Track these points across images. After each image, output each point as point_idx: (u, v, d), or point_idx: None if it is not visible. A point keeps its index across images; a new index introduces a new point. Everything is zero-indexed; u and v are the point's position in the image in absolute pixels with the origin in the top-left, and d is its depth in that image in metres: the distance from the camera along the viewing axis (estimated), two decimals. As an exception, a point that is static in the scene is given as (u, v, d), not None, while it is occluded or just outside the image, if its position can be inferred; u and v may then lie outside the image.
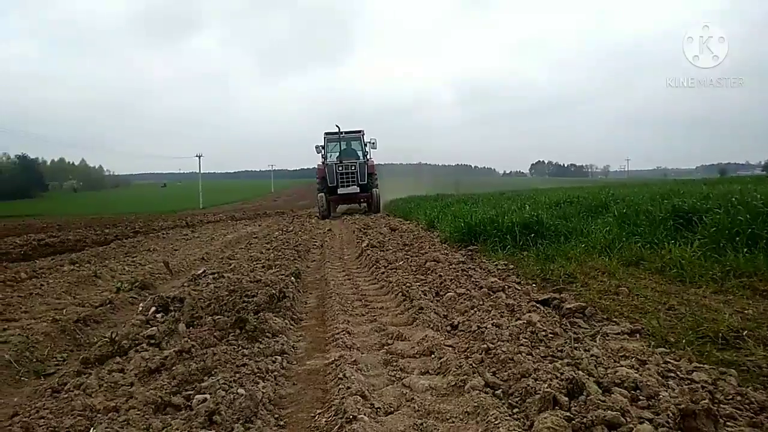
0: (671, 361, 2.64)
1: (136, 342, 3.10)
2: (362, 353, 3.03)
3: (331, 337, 3.33)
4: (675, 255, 5.19)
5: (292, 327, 3.64)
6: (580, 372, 2.21)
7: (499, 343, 2.79)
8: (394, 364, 2.82)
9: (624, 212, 7.48)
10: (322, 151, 19.19)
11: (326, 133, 19.39)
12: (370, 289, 4.97)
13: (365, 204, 20.92)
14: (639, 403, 2.01)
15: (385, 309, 4.11)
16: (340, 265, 6.73)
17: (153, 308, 3.98)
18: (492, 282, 4.39)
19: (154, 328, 3.38)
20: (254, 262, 6.63)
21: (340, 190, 18.35)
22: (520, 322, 3.13)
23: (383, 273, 5.45)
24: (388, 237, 8.70)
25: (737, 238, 5.22)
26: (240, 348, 2.93)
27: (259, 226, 15.53)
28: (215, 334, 3.26)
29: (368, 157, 19.53)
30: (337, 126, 18.60)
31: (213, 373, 2.54)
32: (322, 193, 18.35)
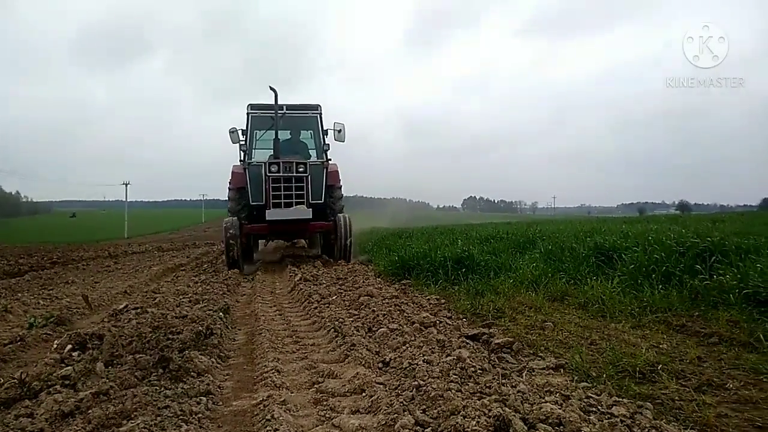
0: (593, 395, 2.74)
1: (49, 383, 2.90)
2: (291, 392, 2.96)
3: (259, 375, 3.23)
4: (597, 291, 5.42)
5: (218, 365, 3.51)
6: (507, 409, 2.25)
7: (429, 380, 2.80)
8: (324, 403, 2.77)
9: (550, 249, 7.79)
10: (241, 140, 10.89)
11: (251, 107, 11.23)
12: (302, 325, 4.89)
13: (316, 244, 13.71)
14: (563, 438, 2.06)
15: (316, 346, 4.05)
16: (271, 299, 6.59)
17: (69, 346, 3.75)
18: (424, 317, 4.42)
19: (69, 367, 3.18)
20: (181, 296, 6.39)
21: (271, 214, 9.99)
22: (451, 358, 3.16)
23: (316, 308, 5.38)
24: (321, 270, 8.62)
25: (653, 275, 5.52)
26: (162, 389, 2.79)
27: (188, 257, 14.93)
28: (136, 374, 3.10)
29: (327, 156, 11.22)
30: (272, 90, 10.26)
31: (132, 416, 2.40)
32: (234, 218, 10.32)
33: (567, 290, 5.84)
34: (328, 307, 5.36)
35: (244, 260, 10.63)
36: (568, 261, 6.92)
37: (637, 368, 3.16)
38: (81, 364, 3.26)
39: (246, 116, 11.21)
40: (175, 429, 2.32)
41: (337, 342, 3.96)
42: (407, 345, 3.63)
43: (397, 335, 3.96)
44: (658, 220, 16.02)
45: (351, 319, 4.74)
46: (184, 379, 3.02)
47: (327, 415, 2.61)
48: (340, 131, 11.11)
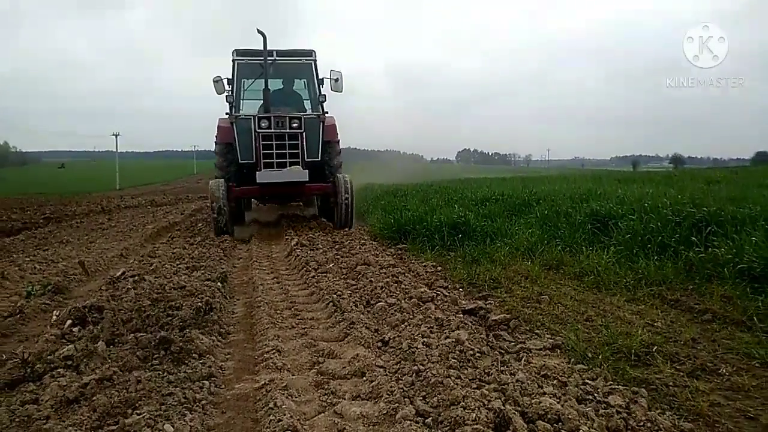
0: (589, 381, 2.79)
1: (52, 365, 2.92)
2: (293, 375, 2.99)
3: (260, 356, 3.27)
4: (592, 261, 5.48)
5: (219, 344, 3.53)
6: (507, 406, 2.28)
7: (429, 365, 2.83)
8: (326, 387, 2.81)
9: (546, 213, 7.79)
10: (227, 90, 9.59)
11: (237, 53, 9.98)
12: (300, 296, 4.91)
13: (313, 204, 12.70)
14: (563, 435, 2.11)
15: (315, 320, 4.08)
16: (268, 265, 6.60)
17: (69, 321, 3.76)
18: (422, 292, 4.45)
19: (70, 345, 3.19)
20: (177, 262, 6.39)
21: (262, 176, 8.78)
22: (449, 340, 3.19)
23: (313, 277, 5.40)
24: (318, 233, 8.62)
25: (648, 245, 5.57)
26: (165, 373, 2.81)
27: (182, 214, 14.82)
28: (138, 353, 3.11)
29: (323, 108, 9.90)
30: (260, 33, 8.98)
31: (137, 405, 2.43)
32: (221, 180, 9.19)
33: (563, 258, 5.88)
34: (325, 276, 5.38)
35: (236, 223, 9.67)
36: (563, 227, 6.96)
37: (633, 350, 3.21)
38: (82, 342, 3.27)
39: (231, 63, 9.90)
40: (179, 418, 2.35)
41: (336, 317, 3.99)
42: (406, 323, 3.66)
43: (395, 311, 3.99)
44: (653, 180, 16.02)
45: (349, 291, 4.76)
46: (186, 361, 3.05)
47: (329, 401, 2.65)
48: (337, 80, 9.87)
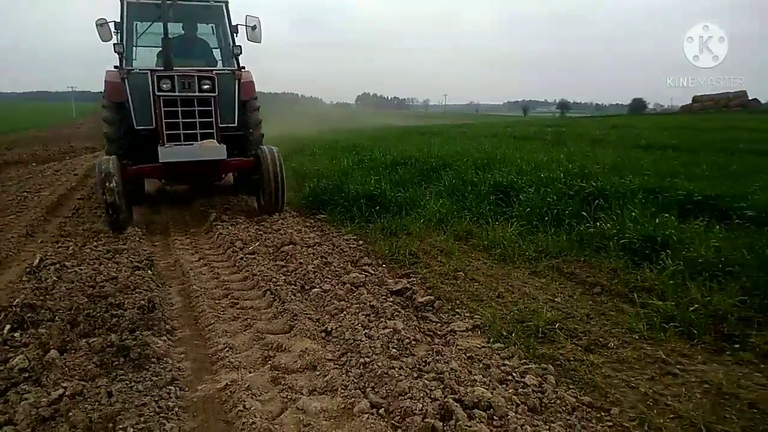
0: (507, 361, 3.34)
1: (12, 381, 2.99)
2: (250, 373, 3.27)
3: (214, 354, 3.50)
4: (498, 234, 6.07)
5: (170, 344, 3.71)
6: (448, 397, 2.74)
7: (374, 356, 3.24)
8: (283, 383, 3.12)
9: (453, 182, 8.34)
10: (116, 38, 7.82)
11: None
12: (234, 281, 5.07)
13: (234, 182, 9.83)
14: (494, 423, 2.60)
15: (256, 310, 4.31)
16: (190, 243, 6.64)
17: (8, 326, 3.75)
18: (354, 278, 4.80)
19: (21, 356, 3.25)
20: (94, 242, 6.28)
21: (166, 153, 7.06)
22: (388, 330, 3.61)
23: (242, 259, 5.56)
24: (233, 203, 8.60)
25: (546, 218, 6.26)
26: (132, 382, 3.00)
27: (75, 174, 13.87)
28: (94, 361, 3.25)
29: (238, 62, 8.29)
30: None
31: (117, 420, 2.63)
32: (113, 159, 7.06)
33: (471, 230, 6.45)
34: (254, 258, 5.57)
35: (134, 202, 7.91)
36: (470, 197, 7.53)
37: (539, 327, 3.79)
38: (32, 350, 3.32)
39: (120, 2, 7.90)
40: (160, 428, 2.59)
41: (276, 308, 4.25)
42: (344, 312, 4.02)
43: (332, 298, 4.34)
44: (544, 137, 17.17)
45: (282, 275, 5.01)
46: (147, 367, 3.22)
47: (289, 397, 2.97)
48: (254, 28, 8.23)
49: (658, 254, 4.85)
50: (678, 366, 3.26)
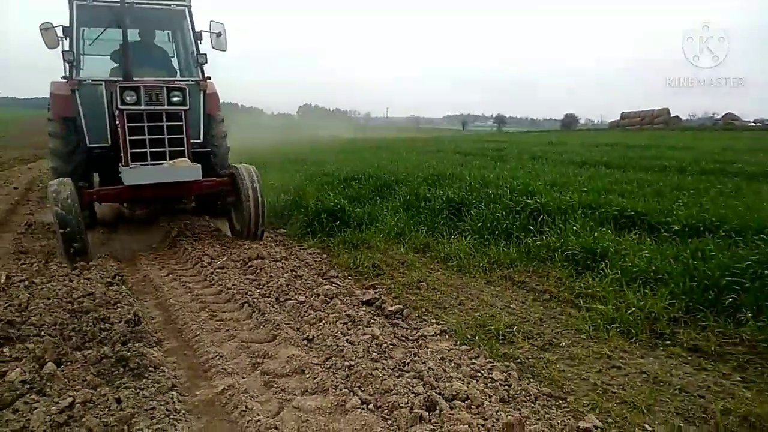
0: (474, 360, 3.76)
1: (17, 391, 3.14)
2: (243, 377, 3.55)
3: (206, 362, 3.75)
4: (453, 246, 6.54)
5: (162, 354, 3.92)
6: (430, 390, 3.13)
7: (357, 359, 3.59)
8: (275, 385, 3.41)
9: (408, 198, 8.80)
10: (64, 44, 7.03)
11: None
12: (208, 295, 5.26)
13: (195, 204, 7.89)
14: (472, 410, 3.01)
15: (237, 322, 4.55)
16: (155, 258, 6.75)
17: (-6, 342, 3.86)
18: (327, 289, 5.11)
19: (18, 370, 3.39)
20: (57, 259, 6.31)
21: (133, 175, 6.27)
22: (367, 336, 3.97)
23: (212, 273, 5.76)
24: (194, 220, 8.69)
25: (496, 232, 6.79)
26: (136, 390, 3.21)
27: (15, 187, 13.31)
28: (92, 371, 3.44)
29: (203, 72, 7.82)
30: None
31: (131, 422, 2.86)
32: (66, 182, 6.16)
33: (428, 243, 6.91)
34: (224, 272, 5.78)
35: (88, 227, 6.73)
36: (425, 212, 7.99)
37: (499, 331, 4.24)
38: (27, 365, 3.47)
39: (69, 5, 7.10)
40: (173, 427, 2.85)
41: (257, 319, 4.51)
42: (323, 321, 4.34)
43: (308, 308, 4.65)
44: (486, 153, 17.98)
45: (257, 290, 5.25)
46: (146, 375, 3.43)
47: (284, 398, 3.27)
48: (219, 35, 7.67)
49: (598, 264, 5.42)
50: (620, 360, 3.79)
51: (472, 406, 3.04)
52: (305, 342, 4.08)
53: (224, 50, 7.84)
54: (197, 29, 7.84)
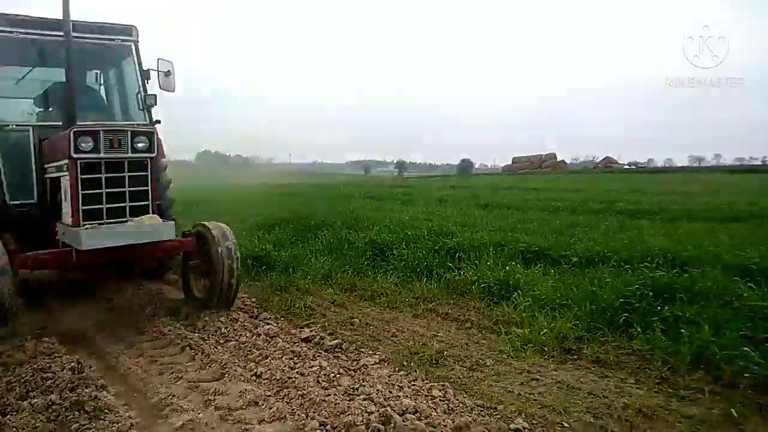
0: (414, 382, 4.17)
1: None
2: (199, 413, 3.71)
3: (157, 403, 3.86)
4: (379, 284, 6.99)
5: (111, 398, 3.97)
6: (385, 409, 3.49)
7: (309, 388, 3.88)
8: (232, 417, 3.62)
9: (331, 241, 9.18)
10: None
11: None
12: (144, 341, 5.29)
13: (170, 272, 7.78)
14: (423, 421, 3.40)
15: (180, 365, 4.62)
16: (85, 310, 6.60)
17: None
18: (268, 329, 5.35)
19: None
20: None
21: (92, 238, 5.09)
22: (315, 367, 4.28)
23: (147, 319, 5.81)
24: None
25: (418, 270, 7.33)
26: (97, 430, 3.32)
27: None
28: (41, 419, 3.47)
29: (150, 115, 7.08)
30: None
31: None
32: None
33: (355, 283, 7.30)
34: (157, 319, 5.82)
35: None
36: (349, 254, 8.39)
37: (432, 356, 4.70)
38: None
39: None
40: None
41: (201, 360, 4.66)
42: (269, 358, 4.58)
43: (251, 347, 4.87)
44: (394, 196, 18.78)
45: (196, 333, 5.35)
46: (102, 417, 3.53)
47: (243, 428, 3.50)
48: (168, 74, 6.84)
49: (511, 294, 6.07)
50: (538, 373, 4.36)
51: (422, 417, 3.45)
52: (254, 377, 4.30)
53: (172, 91, 7.01)
54: (149, 66, 6.94)
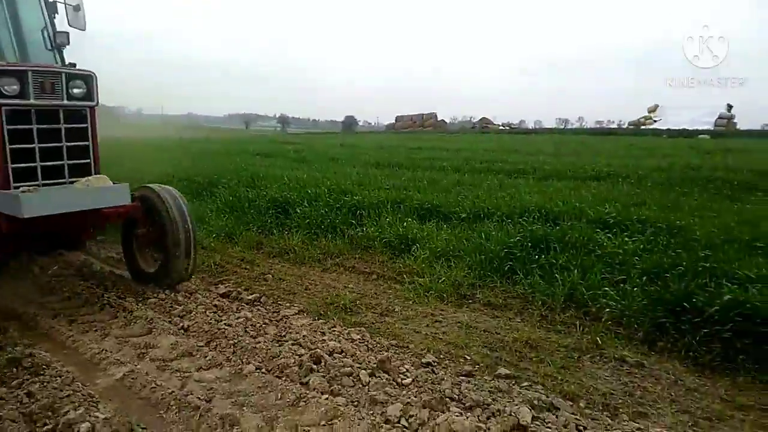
0: (333, 329, 4.64)
1: None
2: (136, 364, 3.92)
3: (90, 358, 3.99)
4: (287, 242, 7.33)
5: (44, 355, 4.03)
6: (315, 350, 3.94)
7: (239, 338, 4.22)
8: (170, 368, 3.85)
9: (230, 200, 9.28)
10: None
11: None
12: (55, 301, 5.25)
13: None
14: (350, 359, 3.89)
15: (104, 323, 4.68)
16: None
17: None
18: (186, 286, 5.51)
19: None
20: None
21: (30, 201, 4.19)
22: (241, 318, 4.61)
23: (49, 282, 5.73)
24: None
25: (323, 227, 7.74)
26: (42, 383, 3.42)
27: None
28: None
29: (62, 56, 5.71)
30: None
31: (54, 408, 3.15)
32: None
33: (261, 241, 7.57)
34: (64, 279, 5.76)
35: None
36: (250, 213, 8.59)
37: (346, 305, 5.19)
38: None
39: None
40: (94, 408, 3.22)
41: (126, 317, 4.75)
42: (193, 312, 4.81)
43: (173, 303, 5.06)
44: (285, 154, 18.82)
45: (112, 293, 5.40)
46: (42, 372, 3.61)
47: (183, 375, 3.78)
48: (77, 9, 5.73)
49: (410, 247, 6.71)
50: (440, 316, 5.02)
51: (348, 355, 3.94)
52: (182, 331, 4.53)
53: (83, 29, 5.92)
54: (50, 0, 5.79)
